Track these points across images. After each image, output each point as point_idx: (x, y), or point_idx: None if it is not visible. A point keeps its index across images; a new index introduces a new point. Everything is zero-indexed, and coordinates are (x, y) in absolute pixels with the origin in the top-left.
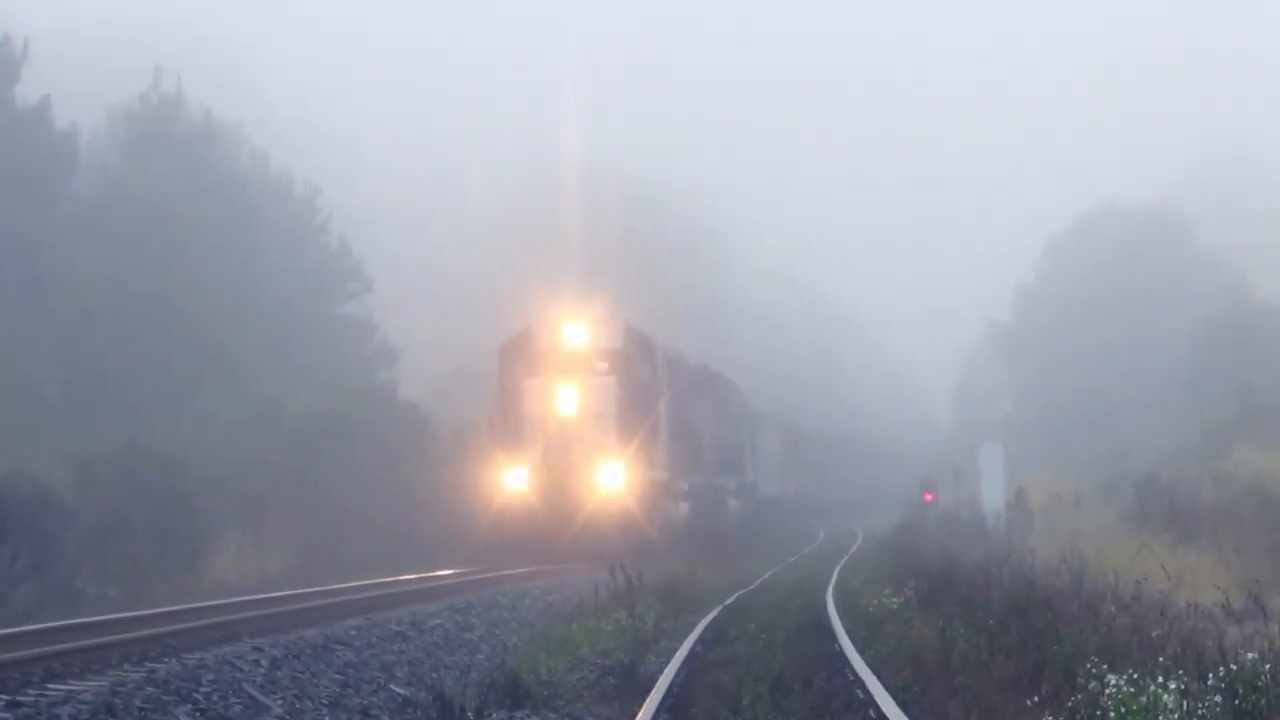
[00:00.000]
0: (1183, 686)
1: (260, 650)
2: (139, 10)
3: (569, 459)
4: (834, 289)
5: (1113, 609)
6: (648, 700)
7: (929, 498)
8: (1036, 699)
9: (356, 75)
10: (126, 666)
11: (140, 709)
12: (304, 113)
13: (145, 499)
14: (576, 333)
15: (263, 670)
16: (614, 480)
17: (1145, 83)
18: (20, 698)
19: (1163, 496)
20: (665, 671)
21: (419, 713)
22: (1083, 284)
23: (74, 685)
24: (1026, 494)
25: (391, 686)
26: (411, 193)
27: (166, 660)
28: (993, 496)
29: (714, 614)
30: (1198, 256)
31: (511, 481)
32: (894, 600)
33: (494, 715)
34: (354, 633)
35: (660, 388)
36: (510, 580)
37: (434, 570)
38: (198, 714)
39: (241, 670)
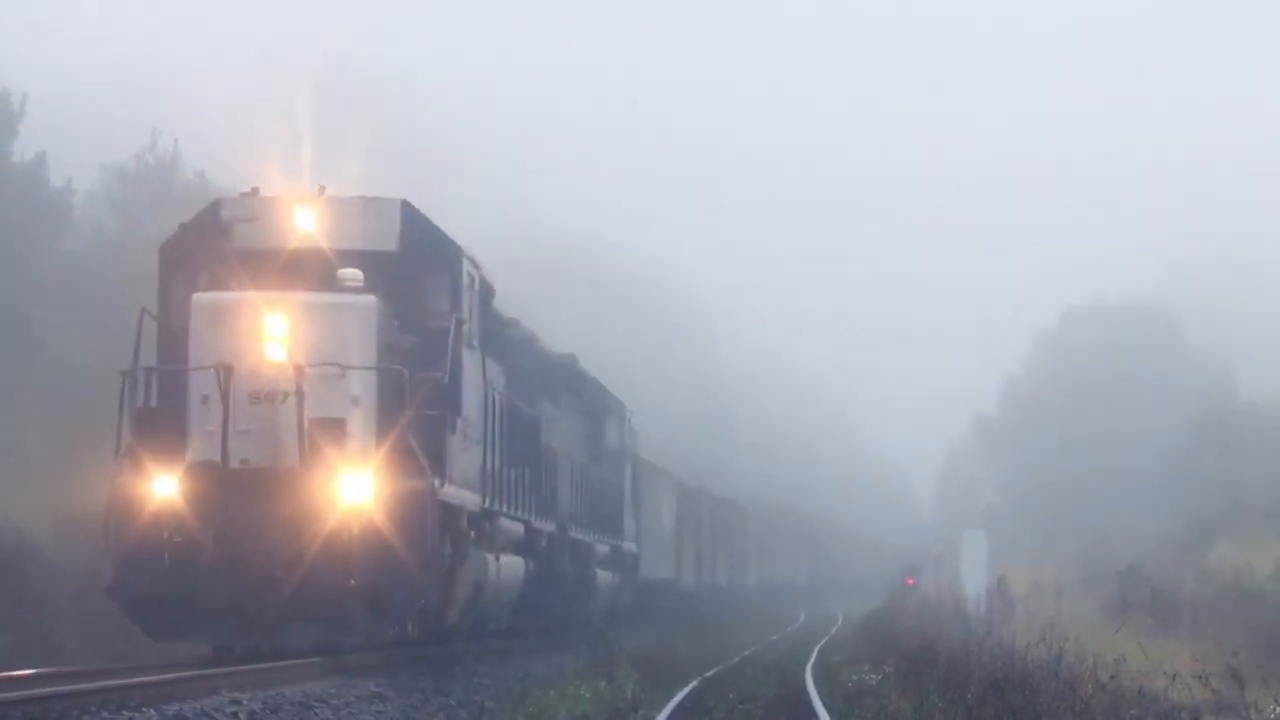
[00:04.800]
0: None
1: (238, 703)
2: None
3: (274, 451)
4: (812, 368)
5: (1090, 688)
6: None
7: (911, 581)
8: None
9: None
10: (104, 715)
11: None
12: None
13: None
14: (306, 218)
15: None
16: (363, 494)
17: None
18: None
19: (1144, 587)
20: None
21: None
22: (1070, 377)
23: None
24: (1008, 583)
25: None
26: None
27: (145, 709)
28: (974, 582)
29: (693, 684)
30: (1185, 353)
31: (160, 492)
32: (872, 676)
33: None
34: (332, 691)
35: (469, 335)
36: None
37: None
38: None
39: None
